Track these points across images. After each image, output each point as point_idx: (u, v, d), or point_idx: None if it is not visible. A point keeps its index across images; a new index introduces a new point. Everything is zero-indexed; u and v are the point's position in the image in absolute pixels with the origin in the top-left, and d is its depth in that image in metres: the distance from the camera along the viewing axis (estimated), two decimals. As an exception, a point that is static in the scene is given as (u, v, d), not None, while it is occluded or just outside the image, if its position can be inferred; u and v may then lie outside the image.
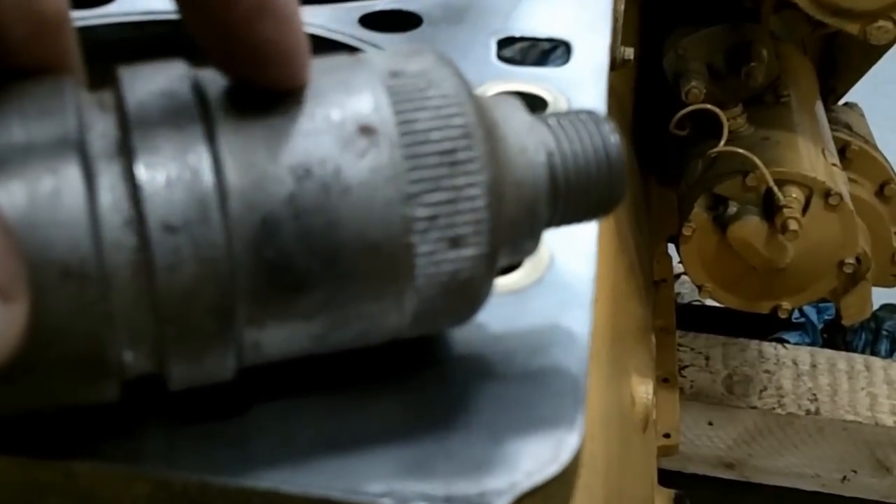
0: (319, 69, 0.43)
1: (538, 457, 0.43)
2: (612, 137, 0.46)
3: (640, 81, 1.85)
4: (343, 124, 0.41)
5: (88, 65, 0.45)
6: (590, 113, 0.47)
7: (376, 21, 0.76)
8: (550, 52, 0.73)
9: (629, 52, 1.10)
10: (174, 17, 0.44)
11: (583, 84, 0.68)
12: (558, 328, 0.49)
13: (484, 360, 0.48)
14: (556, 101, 0.66)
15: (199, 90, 0.41)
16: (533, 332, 0.49)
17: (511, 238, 0.45)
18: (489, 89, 0.67)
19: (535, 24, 0.75)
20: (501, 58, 0.72)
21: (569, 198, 0.46)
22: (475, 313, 0.45)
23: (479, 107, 0.44)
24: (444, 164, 0.41)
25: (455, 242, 0.42)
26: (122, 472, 0.43)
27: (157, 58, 0.43)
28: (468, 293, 0.44)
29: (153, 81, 0.41)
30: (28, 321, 0.37)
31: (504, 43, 0.74)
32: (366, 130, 0.41)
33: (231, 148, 0.40)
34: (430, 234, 0.41)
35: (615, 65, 1.06)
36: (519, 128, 0.45)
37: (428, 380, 0.47)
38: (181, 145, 0.39)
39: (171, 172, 0.38)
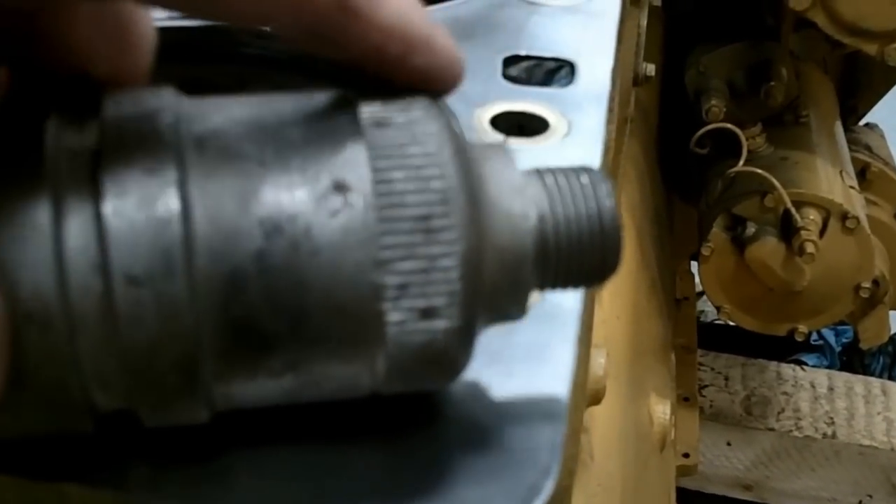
0: (302, 111, 0.42)
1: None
2: (608, 202, 0.44)
3: (664, 97, 1.84)
4: (317, 178, 0.39)
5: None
6: (589, 172, 0.45)
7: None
8: (555, 71, 0.72)
9: (651, 69, 1.09)
10: (185, 24, 0.43)
11: (585, 105, 0.67)
12: (540, 392, 0.48)
13: (467, 421, 0.46)
14: (558, 122, 0.65)
15: (178, 128, 0.40)
16: (515, 393, 0.48)
17: (492, 304, 0.43)
18: (493, 108, 0.66)
19: (541, 42, 0.74)
20: (507, 76, 0.71)
21: (559, 264, 0.44)
22: (453, 380, 0.44)
23: (465, 166, 0.42)
24: (419, 231, 0.39)
25: (427, 313, 0.40)
26: (110, 498, 0.43)
27: (168, 65, 0.42)
28: (443, 363, 0.42)
29: (135, 116, 0.40)
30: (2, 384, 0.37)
31: (510, 61, 0.73)
32: (340, 187, 0.39)
33: (202, 195, 0.38)
34: (401, 303, 0.40)
35: (637, 81, 1.05)
36: (507, 189, 0.43)
37: (406, 436, 0.46)
38: (152, 190, 0.37)
39: (137, 218, 0.37)
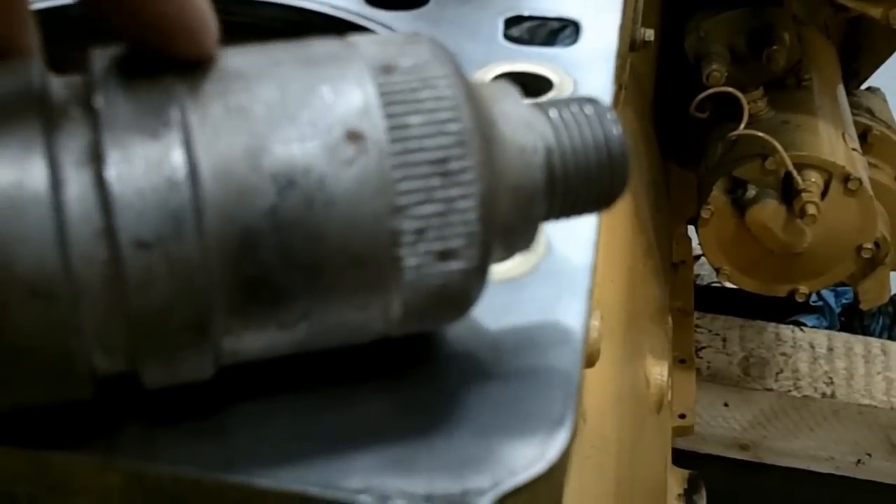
0: (306, 61, 0.40)
1: (525, 455, 0.42)
2: (615, 129, 0.44)
3: (661, 63, 1.84)
4: (329, 129, 0.38)
5: (77, 43, 0.43)
6: (593, 102, 0.45)
7: (383, -2, 0.75)
8: (559, 31, 0.72)
9: (649, 34, 1.08)
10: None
11: (591, 65, 0.67)
12: (553, 321, 0.48)
13: (474, 355, 0.46)
14: (563, 82, 0.64)
15: (176, 83, 0.38)
16: (526, 325, 0.48)
17: (504, 240, 0.43)
18: (495, 70, 0.66)
19: (544, 2, 0.74)
20: (509, 37, 0.70)
21: (567, 193, 0.44)
22: (465, 316, 0.44)
23: (477, 106, 0.41)
24: (436, 175, 0.39)
25: (445, 255, 0.40)
26: (94, 463, 0.41)
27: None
28: (458, 302, 0.42)
29: (127, 73, 0.38)
30: None
31: (512, 22, 0.72)
32: (353, 137, 0.38)
33: (209, 155, 0.37)
34: (418, 247, 0.39)
35: (635, 46, 1.05)
36: (517, 125, 0.43)
37: (416, 375, 0.45)
38: (156, 151, 0.36)
39: (143, 182, 0.36)
